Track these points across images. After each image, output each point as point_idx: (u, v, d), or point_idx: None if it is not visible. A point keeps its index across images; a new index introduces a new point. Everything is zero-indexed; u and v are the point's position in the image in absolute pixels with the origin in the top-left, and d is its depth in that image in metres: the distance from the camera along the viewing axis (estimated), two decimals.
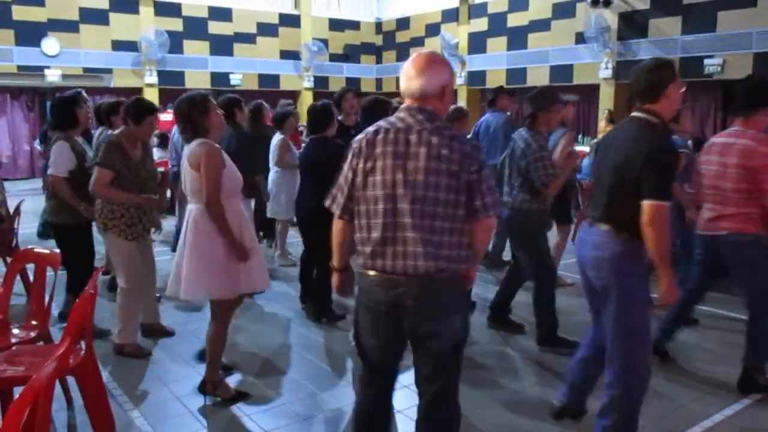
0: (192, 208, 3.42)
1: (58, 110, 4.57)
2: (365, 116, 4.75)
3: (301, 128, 9.26)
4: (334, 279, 2.63)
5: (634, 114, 2.85)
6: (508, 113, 7.12)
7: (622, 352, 2.81)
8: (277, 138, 6.39)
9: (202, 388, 3.57)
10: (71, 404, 3.47)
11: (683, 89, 2.91)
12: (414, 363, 2.46)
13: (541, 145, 4.22)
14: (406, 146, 2.29)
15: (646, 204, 2.63)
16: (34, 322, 3.53)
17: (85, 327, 3.07)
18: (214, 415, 3.44)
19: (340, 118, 5.62)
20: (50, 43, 14.61)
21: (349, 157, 2.42)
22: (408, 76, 2.35)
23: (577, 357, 3.26)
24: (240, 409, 3.51)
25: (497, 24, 15.98)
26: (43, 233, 6.90)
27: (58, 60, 14.81)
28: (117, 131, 4.28)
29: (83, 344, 3.11)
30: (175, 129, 6.43)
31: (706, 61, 11.89)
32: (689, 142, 5.35)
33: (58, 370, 2.88)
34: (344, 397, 3.65)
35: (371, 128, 2.41)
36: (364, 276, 2.38)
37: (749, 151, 3.49)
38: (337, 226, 2.50)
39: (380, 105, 4.82)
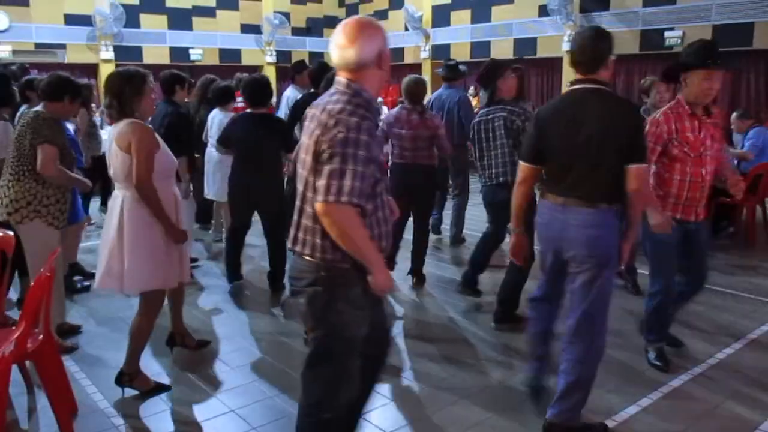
0: (122, 195, 3.21)
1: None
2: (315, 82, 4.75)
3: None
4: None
5: (587, 86, 2.81)
6: (469, 91, 6.95)
7: (592, 326, 2.84)
8: (220, 115, 5.92)
9: (119, 380, 3.39)
10: (32, 389, 3.39)
11: (614, 58, 2.89)
12: None
13: (527, 117, 4.18)
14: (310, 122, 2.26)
15: (637, 168, 2.70)
16: None
17: (43, 311, 2.98)
18: (181, 402, 3.40)
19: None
20: None
21: None
22: (339, 46, 2.20)
23: (534, 332, 3.25)
24: (222, 402, 3.47)
25: None
26: None
27: (8, 35, 14.20)
28: (40, 107, 3.86)
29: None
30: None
31: (667, 34, 12.02)
32: None
33: (14, 354, 2.81)
34: None
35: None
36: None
37: None
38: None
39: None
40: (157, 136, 3.27)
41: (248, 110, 4.93)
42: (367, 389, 2.59)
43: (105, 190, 7.42)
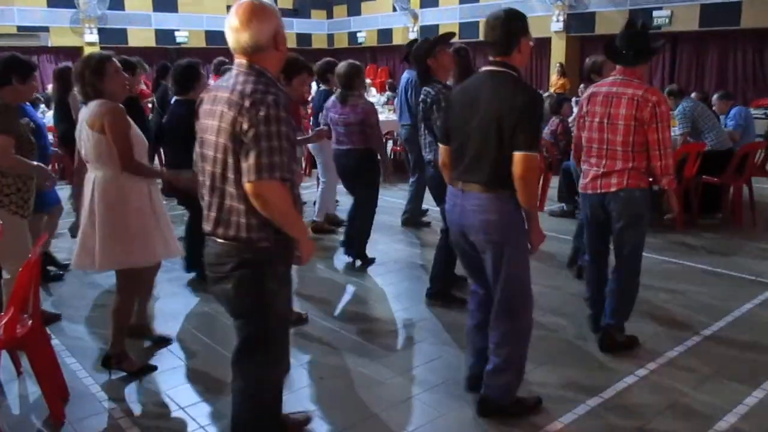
0: (95, 176, 3.19)
1: None
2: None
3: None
4: None
5: (491, 68, 2.76)
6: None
7: (511, 307, 2.83)
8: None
9: (106, 363, 3.38)
10: (21, 374, 3.38)
11: (532, 43, 2.84)
12: None
13: (440, 98, 4.01)
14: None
15: (522, 155, 2.60)
16: None
17: (32, 296, 2.97)
18: (168, 383, 3.41)
19: None
20: None
21: None
22: (234, 29, 2.16)
23: (471, 325, 3.13)
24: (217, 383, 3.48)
25: None
26: None
27: None
28: None
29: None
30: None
31: (655, 13, 12.02)
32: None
33: (4, 340, 2.81)
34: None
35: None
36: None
37: (641, 101, 3.31)
38: None
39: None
40: (128, 117, 3.24)
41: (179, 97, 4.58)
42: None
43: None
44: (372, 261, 5.30)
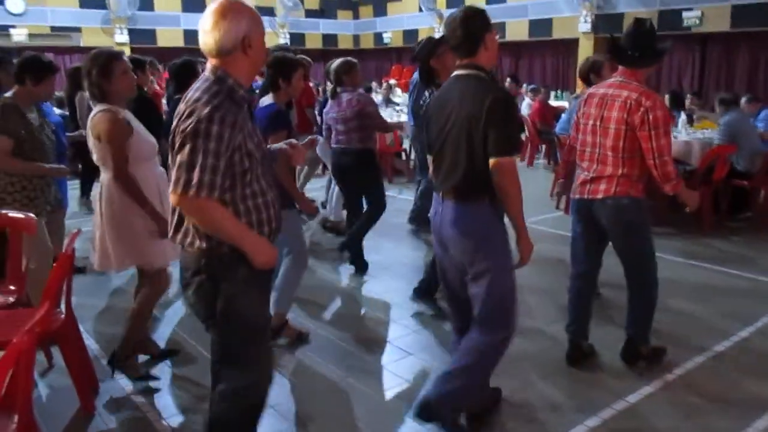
0: (103, 177, 3.20)
1: None
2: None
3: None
4: None
5: (459, 72, 2.67)
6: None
7: (488, 324, 2.69)
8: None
9: (111, 361, 3.35)
10: (52, 367, 3.47)
11: (498, 36, 2.72)
12: None
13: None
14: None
15: (494, 161, 2.49)
16: (12, 287, 3.48)
17: (65, 291, 3.05)
18: (184, 381, 3.45)
19: None
20: (15, 1, 14.10)
21: None
22: (203, 30, 2.08)
23: (456, 341, 3.00)
24: None
25: None
26: None
27: (24, 18, 14.34)
28: (10, 92, 3.74)
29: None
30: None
31: (685, 14, 11.84)
32: None
33: (38, 334, 2.87)
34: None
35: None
36: None
37: (633, 105, 3.13)
38: None
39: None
40: (131, 121, 3.19)
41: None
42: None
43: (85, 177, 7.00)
44: (366, 267, 5.16)
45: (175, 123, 2.08)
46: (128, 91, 3.24)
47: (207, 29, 2.07)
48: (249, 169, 2.11)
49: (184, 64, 4.29)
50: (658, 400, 3.16)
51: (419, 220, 6.38)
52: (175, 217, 2.18)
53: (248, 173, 2.11)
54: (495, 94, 2.53)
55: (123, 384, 3.36)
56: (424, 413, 2.71)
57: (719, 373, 3.43)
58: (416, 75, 6.45)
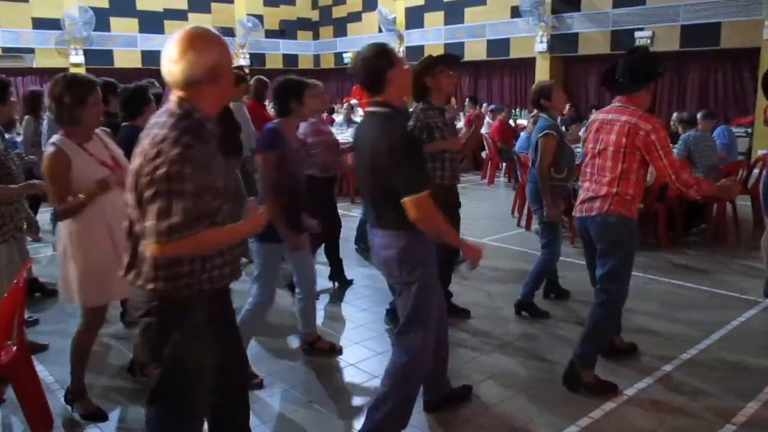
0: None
1: None
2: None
3: None
4: None
5: (368, 109, 2.70)
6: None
7: (404, 343, 2.75)
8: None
9: (66, 397, 3.27)
10: (4, 401, 3.32)
11: (407, 66, 2.71)
12: None
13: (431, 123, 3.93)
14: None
15: (408, 201, 2.49)
16: None
17: (17, 323, 2.93)
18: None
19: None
20: None
21: None
22: (169, 60, 1.94)
23: None
24: None
25: None
26: None
27: None
28: None
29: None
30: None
31: (637, 34, 12.21)
32: (559, 120, 4.73)
33: None
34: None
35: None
36: None
37: (632, 129, 3.22)
38: None
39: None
40: (74, 152, 2.97)
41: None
42: (226, 427, 2.35)
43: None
44: (350, 283, 5.30)
45: (138, 162, 1.95)
46: (97, 122, 3.11)
47: (173, 59, 1.93)
48: (219, 209, 2.01)
49: (136, 89, 4.12)
50: (621, 416, 3.19)
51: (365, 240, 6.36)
52: (128, 257, 2.07)
53: (218, 213, 2.01)
54: (394, 136, 2.55)
55: (78, 417, 3.23)
56: None
57: (680, 384, 3.48)
58: None
